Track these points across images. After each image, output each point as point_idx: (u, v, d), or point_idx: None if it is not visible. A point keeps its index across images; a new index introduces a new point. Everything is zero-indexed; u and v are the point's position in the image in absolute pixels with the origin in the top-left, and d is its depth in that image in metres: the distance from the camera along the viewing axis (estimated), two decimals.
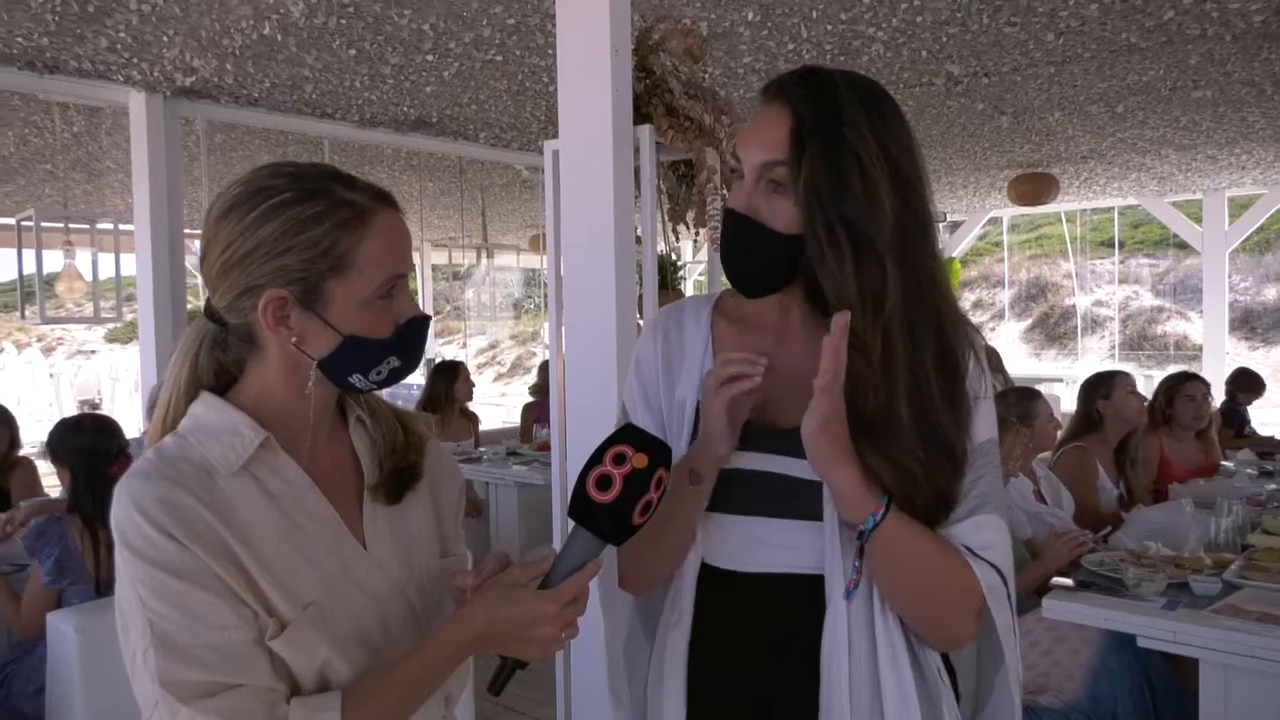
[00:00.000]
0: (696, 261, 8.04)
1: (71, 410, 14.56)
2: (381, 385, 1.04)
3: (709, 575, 1.12)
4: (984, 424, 1.08)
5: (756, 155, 1.06)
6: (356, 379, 1.02)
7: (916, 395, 1.01)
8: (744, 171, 1.07)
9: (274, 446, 1.01)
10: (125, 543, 0.92)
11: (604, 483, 0.94)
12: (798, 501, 1.06)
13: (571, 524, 0.97)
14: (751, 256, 1.08)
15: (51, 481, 3.52)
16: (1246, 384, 5.90)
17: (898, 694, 1.03)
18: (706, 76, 2.96)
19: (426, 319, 1.05)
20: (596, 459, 0.95)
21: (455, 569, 1.09)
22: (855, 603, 1.04)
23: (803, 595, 1.06)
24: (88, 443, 2.77)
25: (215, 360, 1.04)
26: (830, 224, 1.01)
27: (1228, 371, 6.37)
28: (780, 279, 1.07)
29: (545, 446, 5.11)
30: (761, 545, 1.09)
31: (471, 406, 5.93)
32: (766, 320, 1.14)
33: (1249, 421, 5.86)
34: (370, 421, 1.11)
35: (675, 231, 2.79)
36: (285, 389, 1.02)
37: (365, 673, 0.98)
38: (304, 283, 0.97)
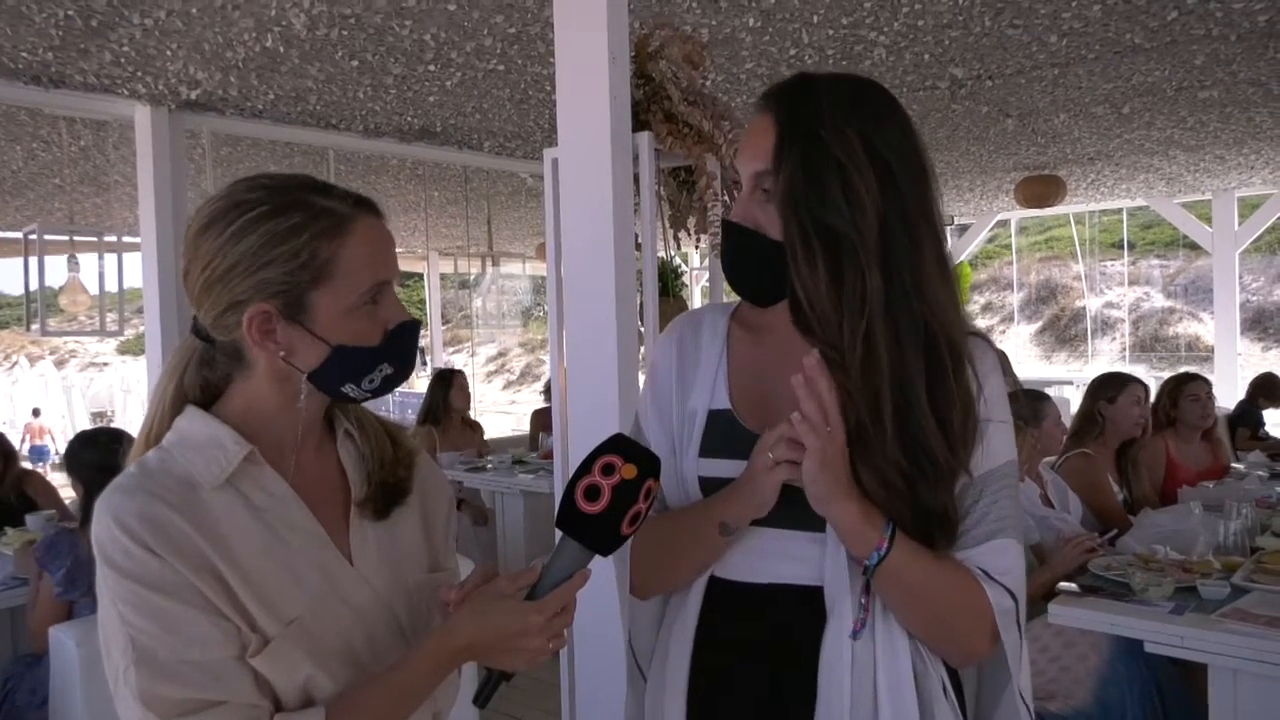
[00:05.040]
0: (703, 269, 8.03)
1: (84, 422, 14.73)
2: (376, 394, 1.03)
3: (714, 585, 1.11)
4: (1001, 446, 1.06)
5: (748, 165, 1.07)
6: (349, 388, 1.01)
7: (902, 404, 1.00)
8: (743, 182, 1.08)
9: (259, 460, 1.00)
10: (105, 558, 0.91)
11: (592, 493, 0.93)
12: (803, 512, 1.04)
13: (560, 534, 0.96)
14: (748, 265, 1.09)
15: (70, 493, 3.55)
16: (1269, 390, 5.83)
17: (893, 716, 1.01)
18: (707, 83, 2.96)
19: (416, 324, 1.04)
20: (585, 469, 0.94)
21: (444, 583, 1.07)
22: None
23: (805, 607, 1.05)
24: (97, 458, 2.79)
25: (202, 378, 1.03)
26: (805, 231, 1.00)
27: (1240, 372, 6.32)
28: (782, 286, 1.06)
29: (551, 455, 5.12)
30: (766, 556, 1.08)
31: (481, 415, 5.92)
32: (780, 330, 1.12)
33: (1264, 423, 5.81)
34: (358, 435, 1.10)
35: (677, 238, 2.79)
36: (274, 402, 1.01)
37: (350, 687, 0.97)
38: (287, 295, 0.96)
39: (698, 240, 2.77)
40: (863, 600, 1.01)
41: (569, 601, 0.96)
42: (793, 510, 1.04)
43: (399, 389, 1.10)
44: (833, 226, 1.00)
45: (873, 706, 1.01)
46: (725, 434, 1.11)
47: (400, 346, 1.02)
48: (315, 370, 0.99)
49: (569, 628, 0.97)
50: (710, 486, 1.09)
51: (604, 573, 1.13)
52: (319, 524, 1.02)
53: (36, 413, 14.31)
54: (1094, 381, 3.70)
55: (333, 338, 0.98)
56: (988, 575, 1.02)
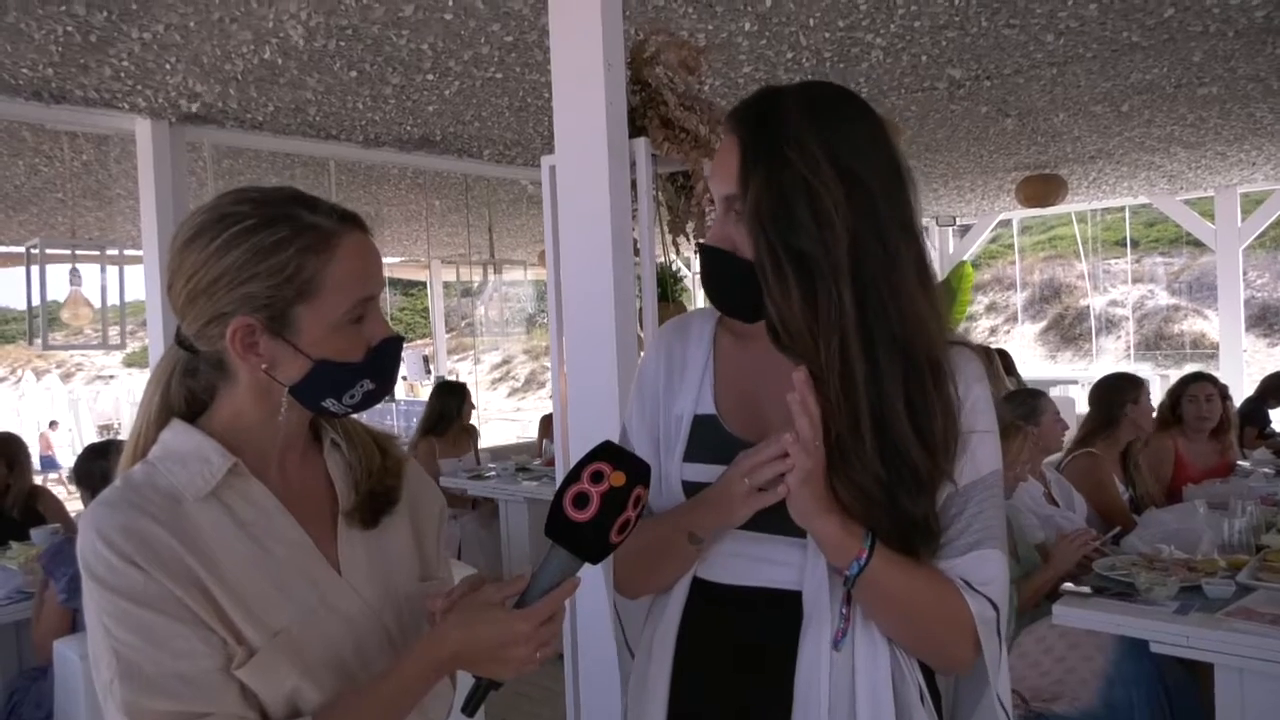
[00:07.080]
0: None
1: (91, 435, 14.78)
2: (356, 409, 1.03)
3: (696, 586, 1.12)
4: (986, 457, 1.06)
5: (718, 189, 1.08)
6: (330, 403, 1.01)
7: (879, 417, 0.99)
8: (716, 204, 1.09)
9: (243, 472, 0.99)
10: (90, 572, 0.91)
11: (581, 501, 0.93)
12: (786, 517, 1.03)
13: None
14: (726, 287, 1.10)
15: (78, 505, 3.59)
16: (1277, 392, 5.80)
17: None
18: (704, 88, 2.96)
19: (400, 340, 1.04)
20: (574, 476, 0.94)
21: (434, 592, 1.06)
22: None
23: (785, 611, 1.06)
24: (93, 470, 2.81)
25: (186, 388, 1.03)
26: (775, 253, 1.00)
27: (1245, 369, 6.28)
28: (762, 304, 1.05)
29: (554, 462, 5.11)
30: (747, 560, 1.09)
31: (485, 423, 5.92)
32: (765, 337, 1.11)
33: (1270, 422, 5.78)
34: (345, 445, 1.09)
35: (675, 243, 2.79)
36: (257, 414, 1.01)
37: (337, 697, 0.97)
38: (271, 309, 0.96)
39: (696, 245, 2.77)
40: (843, 610, 1.02)
41: (557, 610, 0.95)
42: (776, 515, 1.04)
43: (403, 398, 1.10)
44: (800, 248, 0.98)
45: (850, 713, 1.01)
46: (710, 439, 1.11)
47: (382, 363, 1.02)
48: (297, 384, 0.99)
49: (559, 636, 0.97)
50: (693, 491, 1.10)
51: (605, 581, 1.14)
52: (306, 534, 1.02)
53: (53, 425, 14.36)
54: (1106, 385, 3.68)
55: (316, 352, 0.98)
56: (969, 585, 1.02)
